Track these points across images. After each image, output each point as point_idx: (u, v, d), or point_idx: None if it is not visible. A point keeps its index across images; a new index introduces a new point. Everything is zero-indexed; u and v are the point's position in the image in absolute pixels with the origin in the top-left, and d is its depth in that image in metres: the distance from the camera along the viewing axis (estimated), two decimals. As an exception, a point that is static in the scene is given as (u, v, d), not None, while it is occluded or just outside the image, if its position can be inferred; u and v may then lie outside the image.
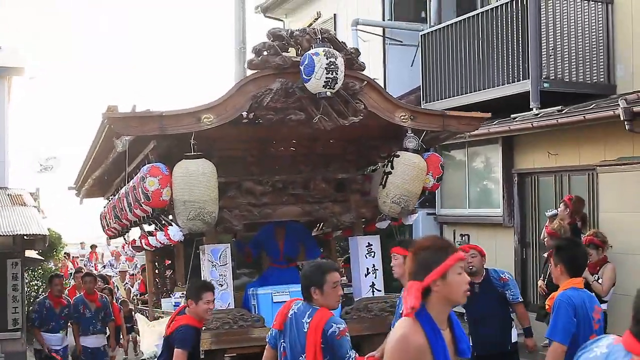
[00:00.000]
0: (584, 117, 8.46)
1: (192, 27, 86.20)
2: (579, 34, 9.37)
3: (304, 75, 5.78)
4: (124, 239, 9.05)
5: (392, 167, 6.38)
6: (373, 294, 6.75)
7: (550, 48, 9.23)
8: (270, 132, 6.59)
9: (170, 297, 7.63)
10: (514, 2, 9.52)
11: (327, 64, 5.72)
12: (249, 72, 6.44)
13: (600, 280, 7.37)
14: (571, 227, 7.90)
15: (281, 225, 7.35)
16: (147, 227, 7.87)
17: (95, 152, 7.03)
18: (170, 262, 7.97)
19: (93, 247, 22.79)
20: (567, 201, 8.13)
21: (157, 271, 7.91)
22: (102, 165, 7.53)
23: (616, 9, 9.43)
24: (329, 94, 5.81)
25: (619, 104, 7.77)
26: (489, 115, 6.67)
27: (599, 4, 9.46)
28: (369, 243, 6.83)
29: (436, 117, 6.49)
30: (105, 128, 6.01)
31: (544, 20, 9.24)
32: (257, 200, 6.59)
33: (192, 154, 5.88)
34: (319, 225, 8.23)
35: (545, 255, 7.80)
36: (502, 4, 9.82)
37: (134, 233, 8.94)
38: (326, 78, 5.73)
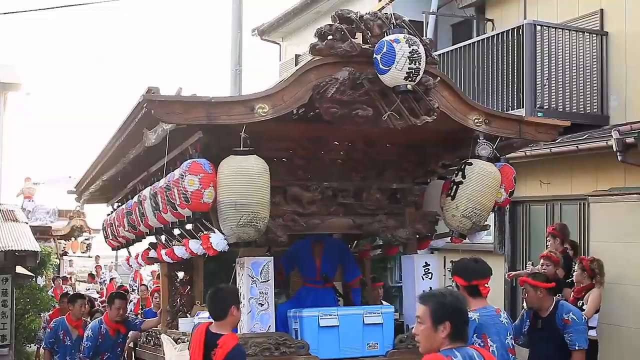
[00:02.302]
0: (577, 147, 8.52)
1: (188, 48, 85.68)
2: (573, 65, 9.42)
3: (380, 66, 4.98)
4: (128, 251, 8.14)
5: (464, 177, 5.59)
6: (430, 321, 5.91)
7: (545, 78, 9.18)
8: (321, 132, 5.79)
9: (188, 316, 6.73)
10: (510, 32, 9.52)
11: (409, 52, 4.93)
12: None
13: (584, 306, 6.96)
14: (563, 256, 7.55)
15: (319, 239, 6.51)
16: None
17: (116, 147, 6.13)
18: (188, 277, 7.05)
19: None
20: (553, 232, 7.81)
21: (173, 287, 6.98)
22: (117, 164, 6.63)
23: (610, 41, 9.53)
24: (409, 87, 5.01)
25: (611, 135, 7.77)
26: (568, 123, 5.95)
27: (594, 35, 9.57)
28: (426, 263, 6.02)
29: (512, 123, 5.73)
30: (138, 115, 5.14)
31: (539, 51, 9.27)
32: (303, 209, 5.75)
33: (244, 149, 5.04)
34: (354, 242, 7.40)
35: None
36: (498, 34, 9.84)
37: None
38: (408, 69, 4.93)
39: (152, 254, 6.88)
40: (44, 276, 14.79)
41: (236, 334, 4.87)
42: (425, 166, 6.32)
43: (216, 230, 5.11)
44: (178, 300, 6.93)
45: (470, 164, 5.59)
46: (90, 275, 19.29)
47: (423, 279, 5.95)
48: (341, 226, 5.95)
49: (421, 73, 5.04)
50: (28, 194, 19.70)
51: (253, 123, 5.05)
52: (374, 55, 5.04)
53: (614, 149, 7.72)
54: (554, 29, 9.45)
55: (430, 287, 5.94)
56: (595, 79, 9.47)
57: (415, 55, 4.96)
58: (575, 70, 9.45)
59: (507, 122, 5.71)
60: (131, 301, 11.83)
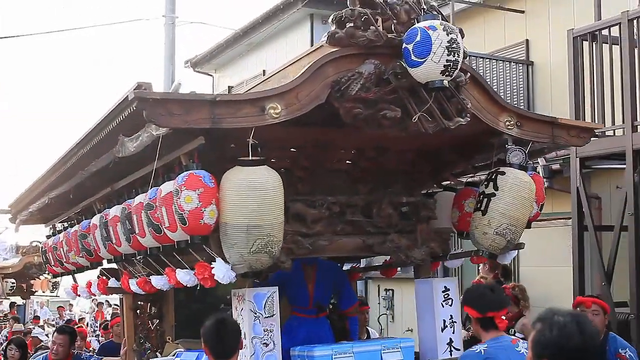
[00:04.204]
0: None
1: (120, 80, 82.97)
2: (500, 93, 9.35)
3: (412, 57, 4.18)
4: (74, 278, 7.05)
5: (496, 188, 4.85)
6: (451, 354, 5.15)
7: (474, 106, 9.22)
8: (326, 137, 4.95)
9: (159, 355, 5.75)
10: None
11: (448, 42, 4.15)
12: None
13: (517, 334, 6.60)
14: (495, 282, 7.55)
15: (311, 263, 5.65)
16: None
17: (77, 158, 5.10)
18: (156, 309, 6.04)
19: (100, 304, 19.97)
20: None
21: (139, 322, 5.96)
22: (72, 178, 5.58)
23: (536, 70, 9.91)
24: (446, 83, 4.24)
25: (538, 162, 7.82)
26: (601, 126, 5.33)
27: (520, 65, 9.99)
28: (445, 287, 5.25)
29: (545, 125, 5.02)
30: (119, 117, 4.17)
31: (468, 80, 9.41)
32: (307, 229, 4.88)
33: (253, 159, 4.15)
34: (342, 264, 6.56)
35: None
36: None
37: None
38: (447, 61, 4.15)
39: (113, 283, 5.85)
40: None
41: None
42: (437, 176, 5.58)
43: (218, 259, 4.17)
44: (145, 336, 5.90)
45: (503, 173, 4.85)
46: (36, 317, 17.96)
47: (443, 306, 5.18)
48: (350, 248, 5.11)
49: (459, 66, 4.28)
50: (-10, 231, 18.45)
51: (249, 128, 4.18)
52: (404, 45, 4.25)
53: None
54: (481, 59, 9.70)
55: (451, 315, 5.21)
56: (522, 107, 9.43)
57: (454, 45, 4.19)
58: (502, 98, 9.48)
59: (539, 124, 5.00)
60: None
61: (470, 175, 5.65)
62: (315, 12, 14.11)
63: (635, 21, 7.32)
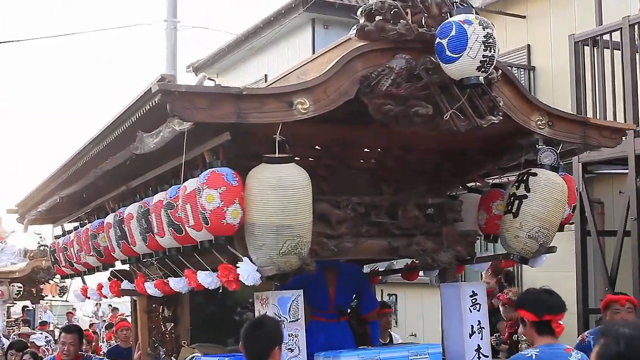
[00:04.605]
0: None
1: (122, 84, 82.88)
2: None
3: (447, 52, 4.01)
4: (83, 280, 6.87)
5: (528, 190, 4.67)
6: (479, 361, 4.97)
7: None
8: (350, 135, 4.77)
9: (174, 361, 5.57)
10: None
11: (484, 37, 3.99)
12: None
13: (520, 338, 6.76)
14: (498, 286, 7.72)
15: (332, 265, 5.48)
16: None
17: (91, 155, 4.93)
18: (171, 312, 5.85)
19: (115, 310, 19.72)
20: None
21: (153, 325, 5.78)
22: (85, 177, 5.40)
23: (537, 75, 10.07)
24: (481, 79, 4.07)
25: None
26: (634, 127, 5.16)
27: (522, 70, 10.12)
28: (473, 292, 5.07)
29: (576, 125, 4.86)
30: (140, 110, 3.99)
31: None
32: (332, 230, 4.69)
33: (282, 156, 3.98)
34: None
35: None
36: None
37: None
38: (483, 56, 3.99)
39: (127, 285, 5.67)
40: None
41: None
42: (463, 177, 5.40)
43: (245, 259, 3.99)
44: (159, 341, 5.72)
45: (534, 174, 4.67)
46: (42, 323, 17.84)
47: (471, 311, 5.00)
48: (376, 250, 4.92)
49: (495, 63, 4.12)
50: (-1, 234, 18.30)
51: (272, 124, 4.01)
52: (438, 40, 4.08)
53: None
54: (484, 64, 9.84)
55: (479, 321, 5.03)
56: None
57: (491, 40, 4.03)
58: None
59: (571, 124, 4.83)
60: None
61: (496, 176, 5.46)
62: (317, 17, 14.09)
63: (636, 26, 7.29)
